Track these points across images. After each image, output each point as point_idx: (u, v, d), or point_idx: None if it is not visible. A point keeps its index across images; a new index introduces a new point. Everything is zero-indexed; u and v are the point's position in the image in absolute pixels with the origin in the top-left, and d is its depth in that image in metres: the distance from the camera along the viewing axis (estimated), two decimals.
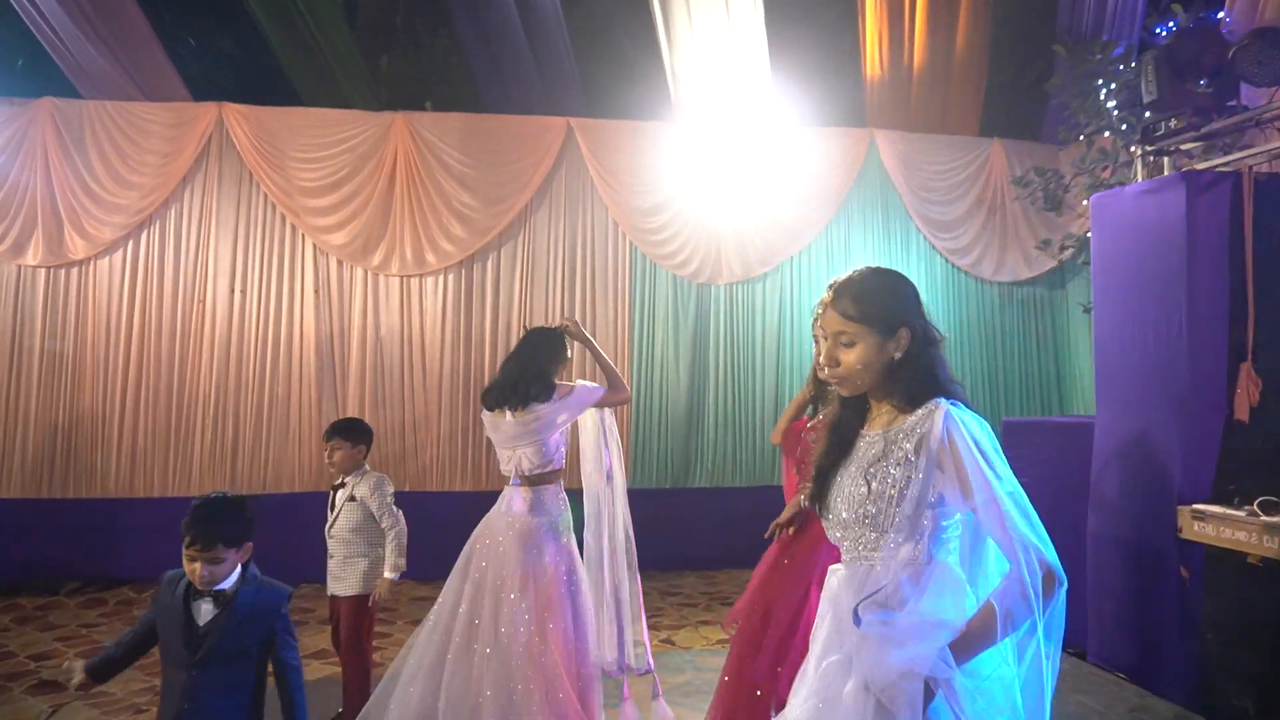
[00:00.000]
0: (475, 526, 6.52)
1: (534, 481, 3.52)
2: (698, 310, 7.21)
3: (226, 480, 6.60)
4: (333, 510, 3.86)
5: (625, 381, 3.71)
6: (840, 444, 1.83)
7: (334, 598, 3.87)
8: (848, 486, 1.74)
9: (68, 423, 6.50)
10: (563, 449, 3.58)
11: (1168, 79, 3.96)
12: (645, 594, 6.40)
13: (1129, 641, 4.08)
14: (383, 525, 3.79)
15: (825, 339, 1.79)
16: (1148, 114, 4.24)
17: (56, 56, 6.18)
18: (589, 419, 3.70)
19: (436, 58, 6.84)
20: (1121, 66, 5.92)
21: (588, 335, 3.68)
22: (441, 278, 6.88)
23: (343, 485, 3.83)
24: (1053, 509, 4.80)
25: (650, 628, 5.59)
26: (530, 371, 3.46)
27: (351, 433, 3.85)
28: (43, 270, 6.52)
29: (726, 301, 7.25)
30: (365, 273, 6.80)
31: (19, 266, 6.49)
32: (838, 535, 1.77)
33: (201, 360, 6.61)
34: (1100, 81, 6.04)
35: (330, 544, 3.85)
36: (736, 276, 7.19)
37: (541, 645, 3.29)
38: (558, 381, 3.48)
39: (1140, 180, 4.38)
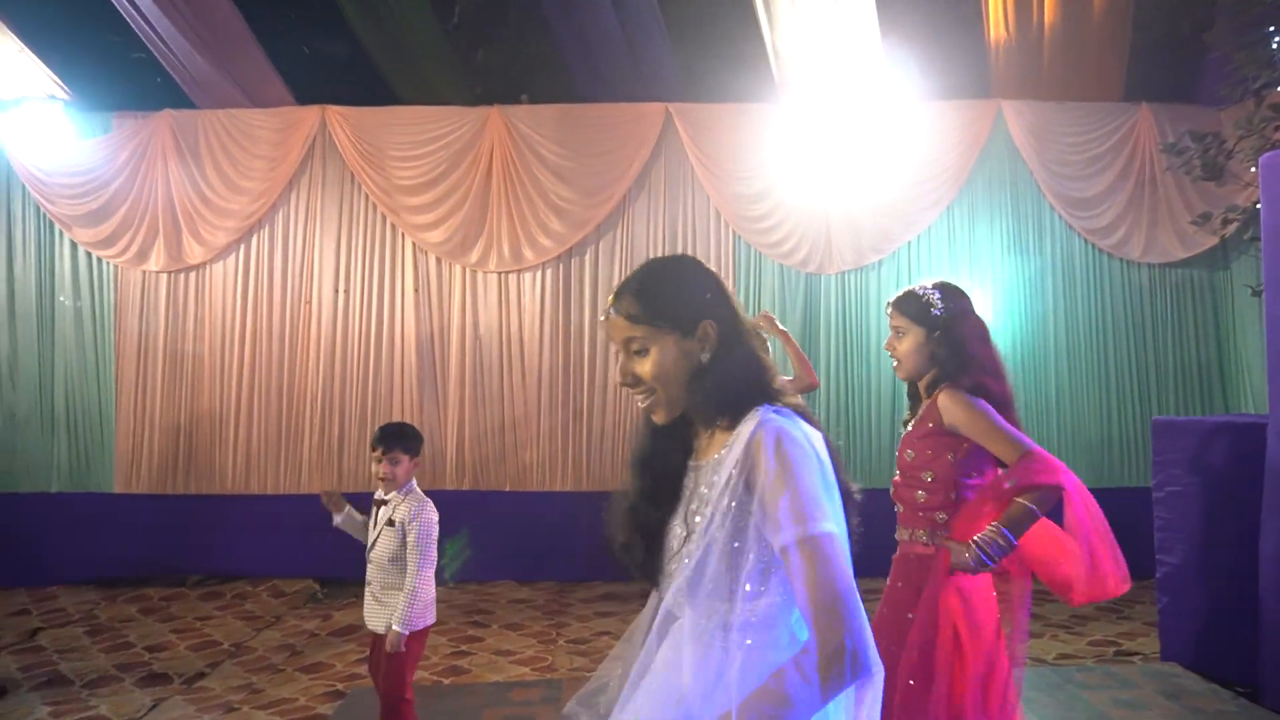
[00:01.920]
0: (578, 526, 6.46)
1: None
2: (806, 301, 6.78)
3: (334, 479, 6.68)
4: (374, 529, 3.33)
5: (808, 369, 3.67)
6: (658, 484, 1.50)
7: (372, 633, 3.36)
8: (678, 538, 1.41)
9: (188, 423, 6.73)
10: None
11: None
12: None
13: None
14: (409, 563, 3.20)
15: (621, 350, 1.47)
16: None
17: (169, 68, 6.39)
18: None
19: (531, 49, 6.69)
20: None
21: (782, 327, 3.71)
22: (539, 273, 6.73)
23: (385, 503, 3.29)
24: (1212, 523, 4.18)
25: None
26: None
27: (413, 441, 3.37)
28: (164, 275, 6.78)
29: (837, 292, 6.79)
30: (463, 270, 6.74)
31: (143, 272, 6.77)
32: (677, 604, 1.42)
33: (308, 360, 6.71)
34: (1271, 29, 5.25)
35: (369, 569, 3.30)
36: (848, 264, 6.71)
37: None
38: None
39: None
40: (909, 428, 2.42)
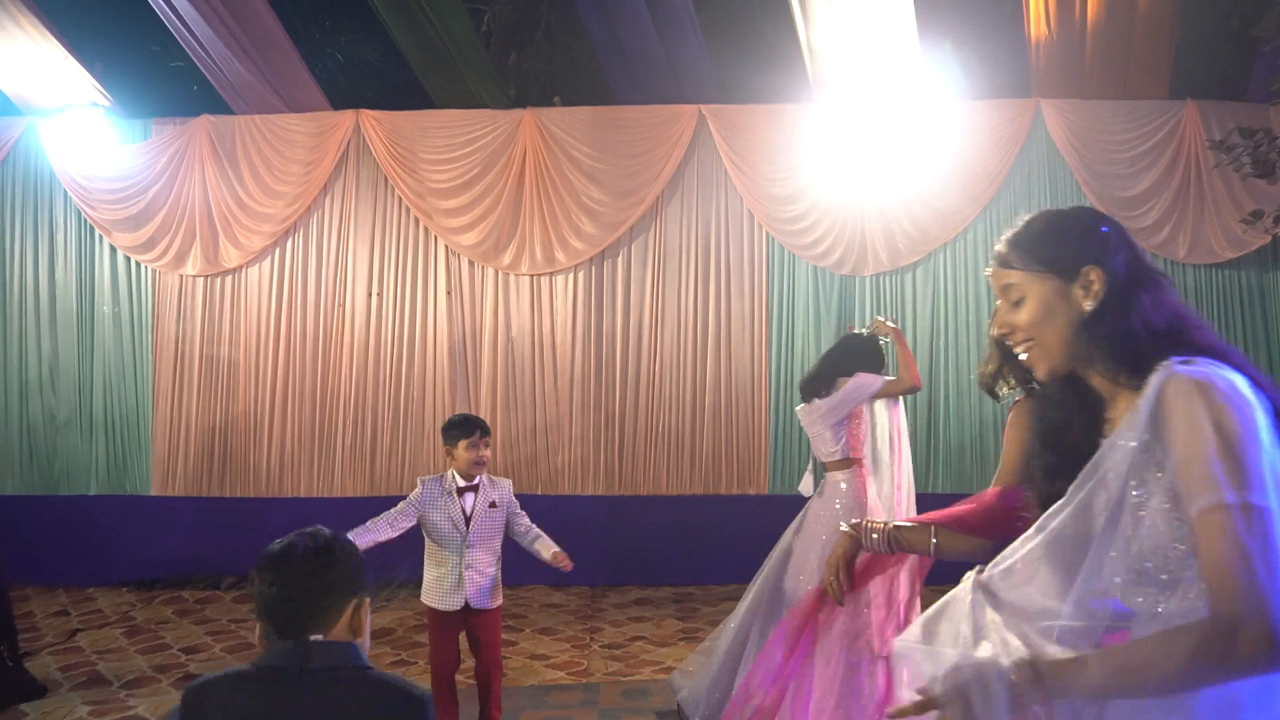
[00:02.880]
0: (610, 530, 6.40)
1: (825, 469, 3.89)
2: (841, 304, 6.70)
3: (366, 482, 6.69)
4: (467, 513, 3.66)
5: (911, 371, 3.83)
6: (1062, 460, 1.35)
7: (475, 611, 3.65)
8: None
9: (224, 425, 6.78)
10: (855, 440, 3.81)
11: None
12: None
13: None
14: (523, 527, 3.81)
15: (1000, 300, 1.42)
16: None
17: (208, 74, 6.45)
18: (879, 412, 3.95)
19: (565, 52, 6.69)
20: None
21: (893, 328, 3.94)
22: (571, 276, 6.71)
23: (473, 489, 3.67)
24: None
25: None
26: (823, 370, 3.92)
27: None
28: (201, 279, 6.84)
29: (873, 294, 6.70)
30: (496, 273, 6.73)
31: (180, 276, 6.84)
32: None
33: (342, 363, 6.73)
34: None
35: (466, 553, 3.62)
36: (884, 267, 6.62)
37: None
38: (842, 378, 3.79)
39: None
40: None
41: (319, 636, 1.55)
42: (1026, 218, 1.44)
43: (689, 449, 6.71)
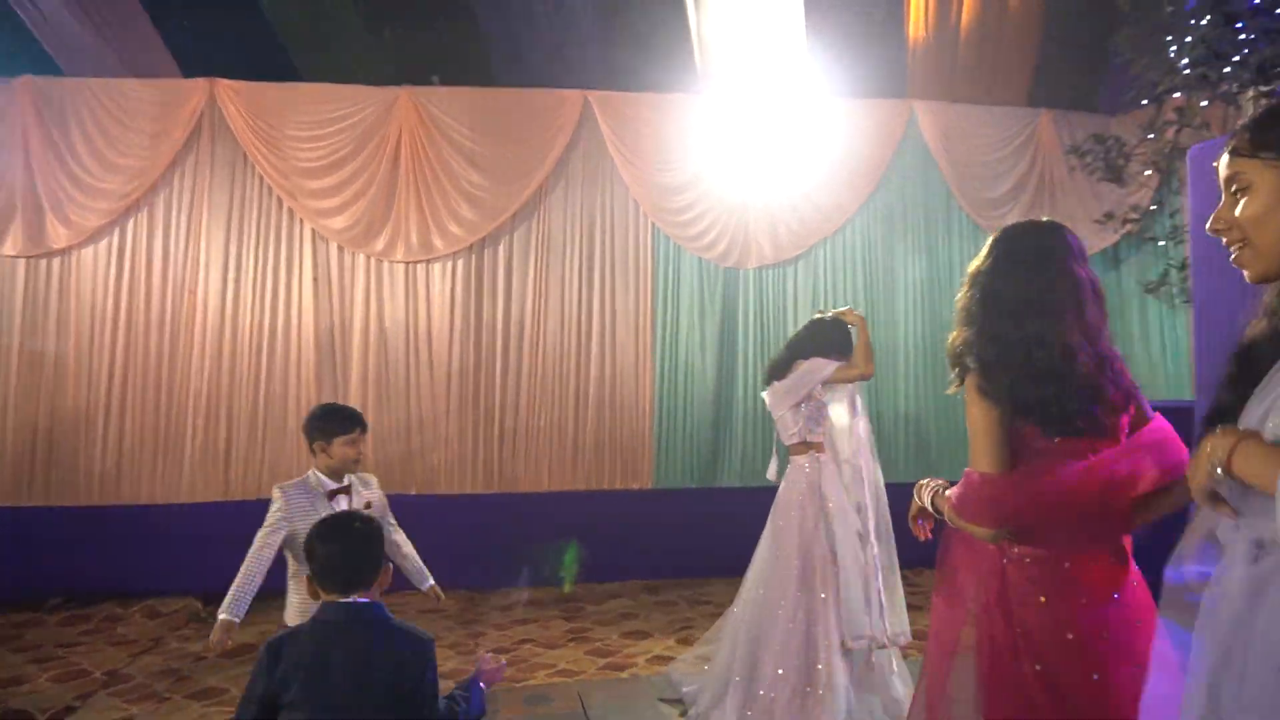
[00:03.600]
0: (491, 531, 6.20)
1: (788, 453, 3.91)
2: (725, 296, 6.70)
3: (220, 485, 6.11)
4: None
5: (866, 360, 3.79)
6: (1240, 369, 1.28)
7: None
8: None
9: (48, 425, 6.02)
10: (810, 424, 3.79)
11: None
12: (673, 603, 5.96)
13: None
14: (399, 536, 3.46)
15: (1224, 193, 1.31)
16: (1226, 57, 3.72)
17: (35, 29, 5.72)
18: (840, 396, 3.96)
19: (445, 29, 6.36)
20: (1194, 20, 5.39)
21: (858, 315, 3.89)
22: (450, 263, 6.39)
23: (346, 490, 3.21)
24: None
25: (680, 641, 5.12)
26: (785, 353, 3.93)
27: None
28: (21, 261, 6.05)
29: (756, 287, 6.74)
30: (368, 259, 6.31)
31: None
32: None
33: (192, 356, 6.12)
34: (1170, 38, 5.52)
35: None
36: (767, 260, 6.68)
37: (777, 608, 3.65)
38: (800, 361, 3.80)
39: None
40: None
41: (363, 597, 2.06)
42: (1267, 104, 1.32)
43: (571, 444, 6.52)
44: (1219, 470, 1.15)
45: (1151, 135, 5.74)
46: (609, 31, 6.20)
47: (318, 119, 6.15)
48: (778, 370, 3.91)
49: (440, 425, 6.36)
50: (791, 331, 6.69)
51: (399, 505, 6.23)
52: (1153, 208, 6.12)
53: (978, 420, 1.84)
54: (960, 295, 2.03)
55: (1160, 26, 5.56)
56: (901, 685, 3.74)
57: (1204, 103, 5.24)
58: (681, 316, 6.65)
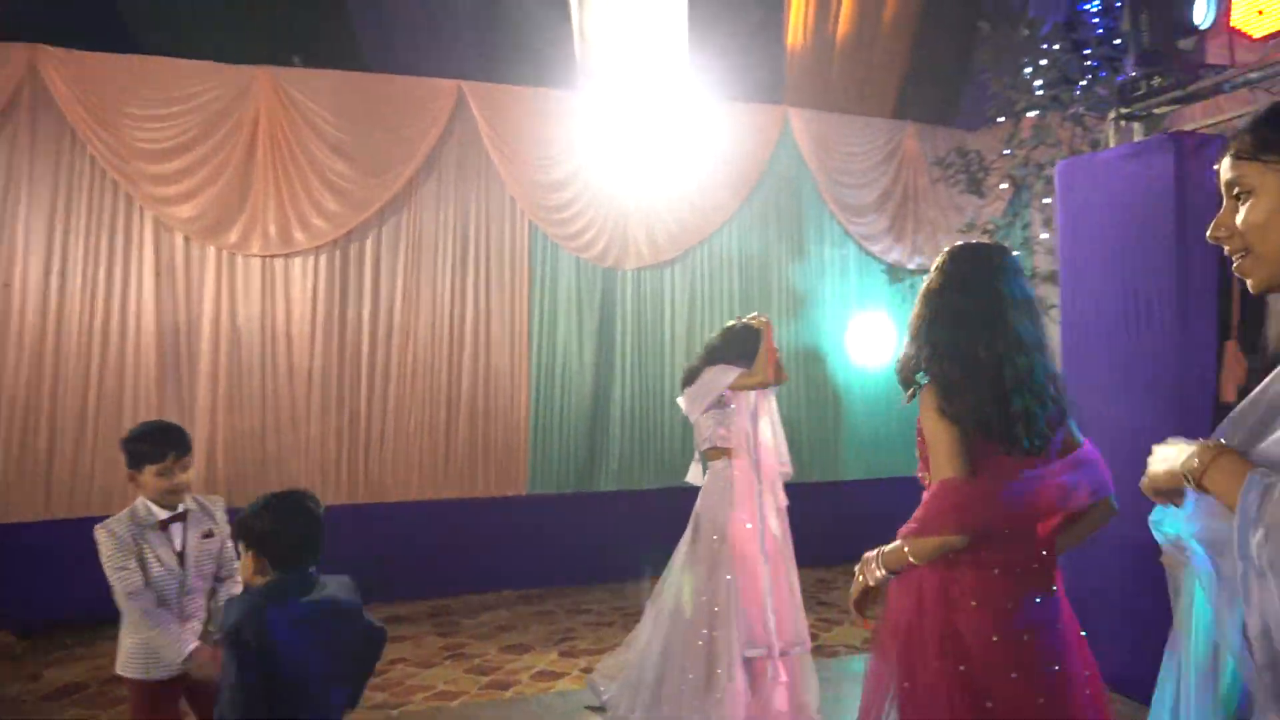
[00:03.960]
0: (354, 541, 5.84)
1: (705, 458, 3.88)
2: (603, 297, 6.59)
3: (41, 504, 5.44)
4: (179, 554, 2.79)
5: (767, 367, 3.74)
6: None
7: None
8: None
9: None
10: (722, 430, 3.76)
11: (1160, 34, 3.69)
12: (551, 614, 5.81)
13: (1121, 652, 3.75)
14: (224, 575, 2.92)
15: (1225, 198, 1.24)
16: (1090, 77, 3.96)
17: None
18: (747, 403, 3.84)
19: (308, 5, 5.92)
20: (1047, 45, 5.73)
21: (764, 320, 3.84)
22: (312, 259, 5.96)
23: (181, 517, 2.79)
24: None
25: (563, 654, 4.98)
26: (697, 360, 3.94)
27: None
28: None
29: (634, 288, 6.67)
30: (219, 252, 5.79)
31: None
32: None
33: (8, 358, 5.41)
34: (1025, 60, 5.84)
35: (188, 602, 2.79)
36: (645, 261, 6.61)
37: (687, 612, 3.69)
38: (709, 367, 3.79)
39: (1113, 145, 4.10)
40: None
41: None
42: (1270, 103, 1.25)
43: (443, 450, 6.24)
44: (1188, 480, 1.16)
45: (1008, 151, 6.06)
46: (486, 20, 5.96)
47: (161, 97, 5.57)
48: (689, 377, 3.92)
49: (300, 431, 5.93)
50: (669, 334, 6.72)
51: None
52: (1009, 219, 6.47)
53: (940, 434, 1.87)
54: (913, 314, 2.07)
55: (1017, 48, 5.88)
56: (786, 696, 3.73)
57: (1060, 122, 5.57)
58: (559, 317, 6.49)
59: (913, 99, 7.01)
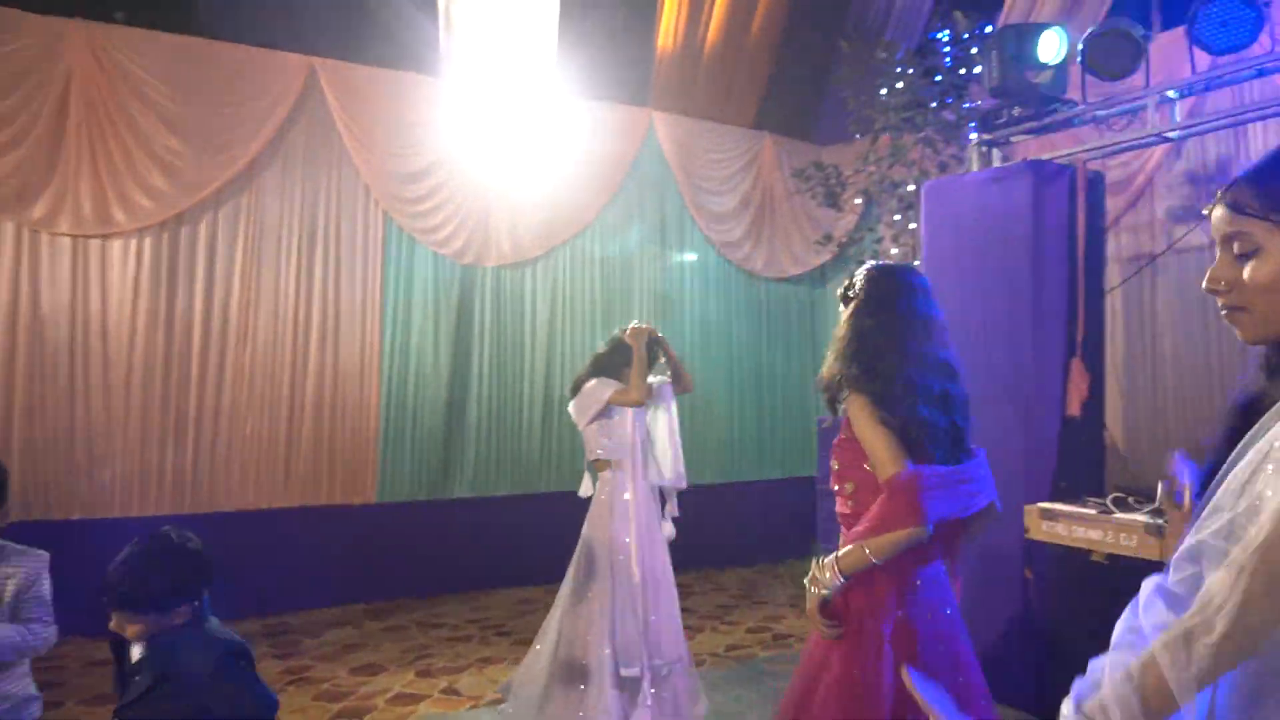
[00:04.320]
0: None
1: (592, 470, 3.86)
2: (462, 296, 6.31)
3: None
4: None
5: (636, 386, 3.66)
6: (1244, 424, 1.18)
7: None
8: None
9: None
10: (607, 441, 3.69)
11: (1010, 68, 3.90)
12: (403, 629, 5.49)
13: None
14: (36, 626, 2.51)
15: (1219, 250, 1.20)
16: (962, 103, 4.17)
17: None
18: (627, 417, 3.77)
19: None
20: (901, 69, 6.00)
21: (634, 329, 3.75)
22: (135, 241, 5.33)
23: None
24: None
25: (420, 674, 4.70)
26: (582, 371, 3.88)
27: None
28: None
29: (494, 287, 6.44)
30: (19, 229, 5.07)
31: None
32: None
33: None
34: (881, 81, 6.09)
35: None
36: (506, 259, 6.39)
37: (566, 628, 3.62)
38: (590, 381, 3.74)
39: (977, 169, 4.31)
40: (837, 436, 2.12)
41: None
42: (1271, 153, 1.20)
43: (284, 456, 5.77)
44: None
45: (868, 168, 6.31)
46: None
47: None
48: (575, 387, 3.83)
49: (115, 435, 5.30)
50: (530, 336, 6.55)
51: (53, 535, 5.18)
52: (863, 233, 6.74)
53: (879, 438, 1.95)
54: (836, 332, 2.16)
55: (874, 69, 6.12)
56: (662, 714, 3.66)
57: (914, 143, 5.84)
58: (414, 316, 6.15)
59: (772, 111, 7.17)
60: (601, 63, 6.15)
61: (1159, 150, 5.04)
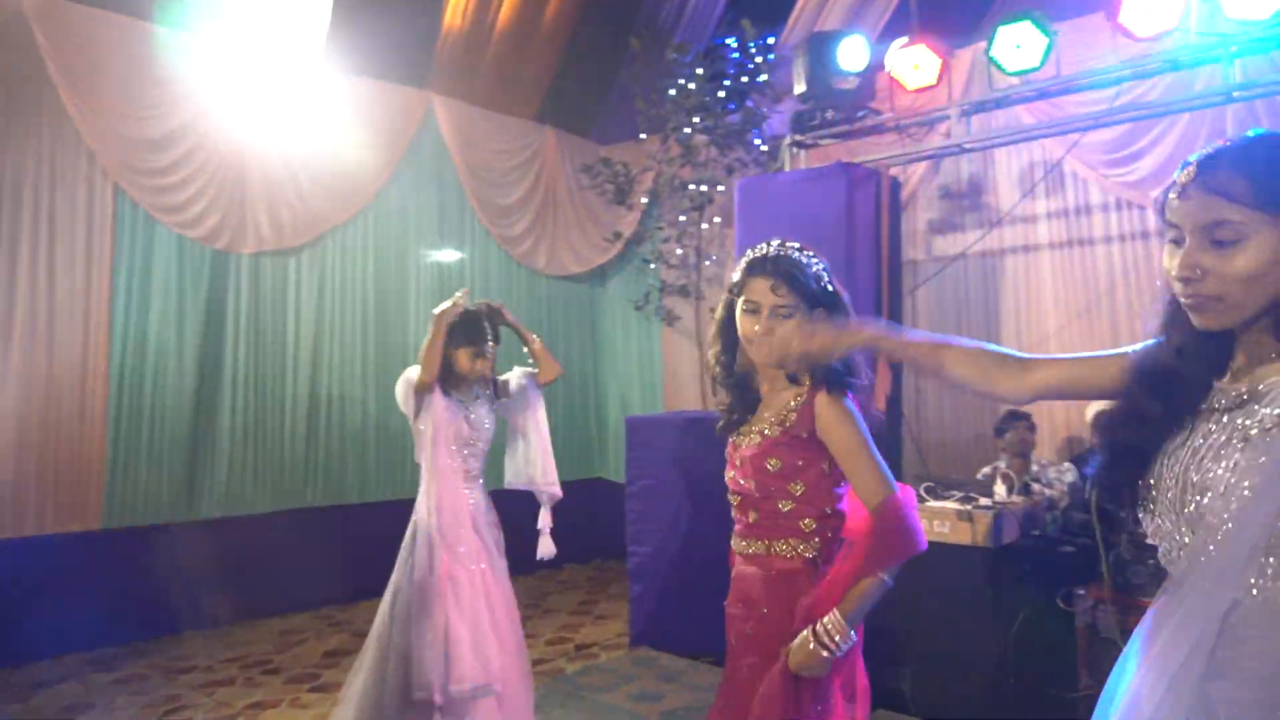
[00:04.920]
0: None
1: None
2: (212, 285, 5.49)
3: None
4: None
5: (427, 368, 3.14)
6: (1171, 408, 1.19)
7: None
8: (1183, 472, 1.14)
9: None
10: (422, 444, 3.17)
11: (818, 74, 4.00)
12: (141, 678, 4.66)
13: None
14: None
15: (1183, 237, 1.13)
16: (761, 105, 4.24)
17: None
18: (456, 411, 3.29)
19: None
20: (690, 70, 6.05)
21: (512, 318, 3.33)
22: None
23: None
24: (690, 510, 4.57)
25: None
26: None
27: None
28: None
29: (251, 276, 5.67)
30: None
31: None
32: (1165, 548, 1.19)
33: None
34: (667, 82, 6.11)
35: None
36: (266, 245, 5.65)
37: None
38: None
39: (788, 169, 4.38)
40: (764, 432, 1.91)
41: None
42: (1255, 137, 1.13)
43: None
44: None
45: (651, 168, 6.29)
46: None
47: None
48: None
49: None
50: (294, 332, 5.87)
51: None
52: (652, 231, 6.73)
53: (873, 452, 1.83)
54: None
55: (664, 69, 6.13)
56: None
57: (706, 144, 5.90)
58: (152, 307, 5.25)
59: (556, 105, 6.98)
60: (381, 35, 5.62)
61: (922, 165, 5.46)
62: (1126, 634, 3.19)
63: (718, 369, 2.05)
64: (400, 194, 6.32)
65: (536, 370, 3.39)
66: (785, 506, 1.88)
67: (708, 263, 6.47)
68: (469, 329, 3.21)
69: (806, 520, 1.87)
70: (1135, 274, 4.99)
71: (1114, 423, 1.27)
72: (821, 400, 1.85)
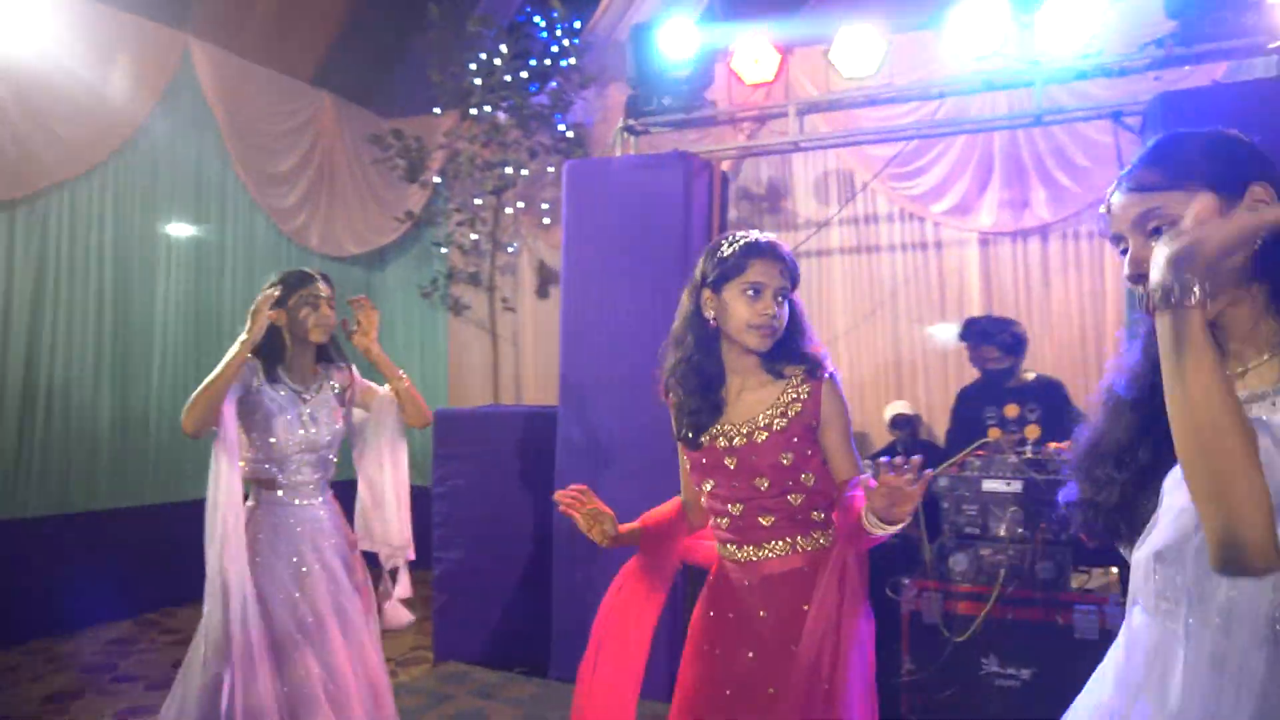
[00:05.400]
0: None
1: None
2: None
3: None
4: None
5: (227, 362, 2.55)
6: (1156, 420, 1.05)
7: None
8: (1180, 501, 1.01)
9: None
10: (248, 452, 2.65)
11: (646, 60, 3.90)
12: None
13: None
14: None
15: (1129, 240, 1.12)
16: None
17: None
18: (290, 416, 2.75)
19: None
20: (495, 44, 5.72)
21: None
22: None
23: None
24: (509, 508, 4.23)
25: None
26: None
27: None
28: None
29: None
30: None
31: None
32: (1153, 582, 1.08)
33: None
34: (468, 56, 5.75)
35: None
36: None
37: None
38: None
39: (620, 155, 4.20)
40: (769, 426, 1.81)
41: None
42: (1154, 141, 1.14)
43: None
44: None
45: (447, 145, 5.88)
46: None
47: None
48: None
49: None
50: (6, 311, 4.85)
51: None
52: (454, 213, 6.29)
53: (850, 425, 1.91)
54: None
55: (465, 44, 5.76)
56: None
57: (513, 124, 5.60)
58: None
59: (336, 70, 6.32)
60: None
61: (728, 163, 5.54)
62: (948, 619, 3.43)
63: (682, 368, 1.91)
64: (150, 152, 5.42)
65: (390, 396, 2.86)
66: (796, 500, 1.83)
67: (509, 250, 6.17)
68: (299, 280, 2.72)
69: (816, 511, 1.85)
70: (916, 281, 5.39)
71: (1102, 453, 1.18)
72: (828, 387, 1.85)
